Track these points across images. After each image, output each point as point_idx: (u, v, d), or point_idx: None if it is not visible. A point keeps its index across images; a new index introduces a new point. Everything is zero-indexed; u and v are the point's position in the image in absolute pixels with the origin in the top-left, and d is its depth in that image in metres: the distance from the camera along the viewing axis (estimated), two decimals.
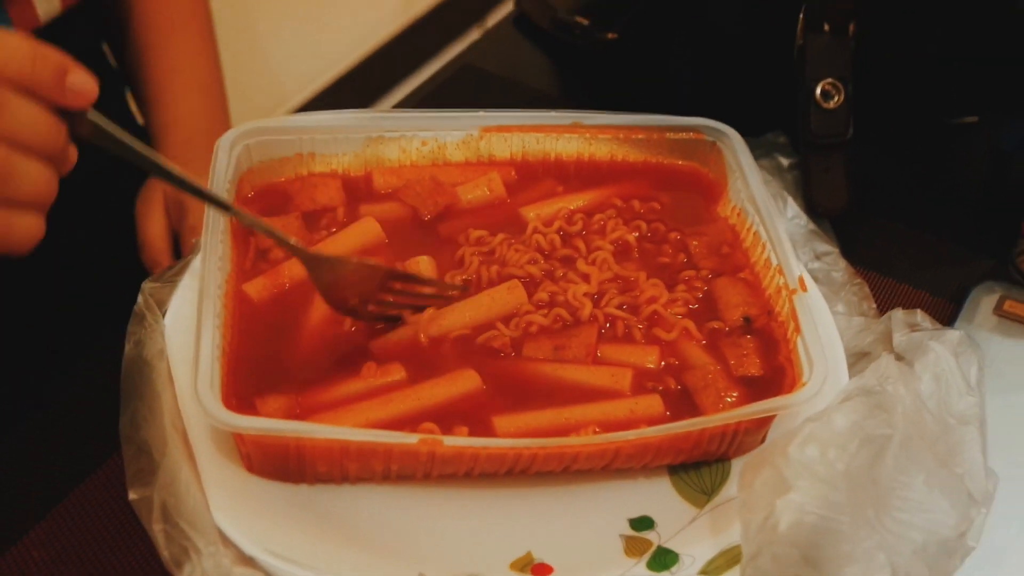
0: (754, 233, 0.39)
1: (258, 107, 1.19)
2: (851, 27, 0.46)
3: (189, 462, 0.33)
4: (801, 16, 0.46)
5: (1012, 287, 0.44)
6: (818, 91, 0.45)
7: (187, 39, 0.62)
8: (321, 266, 0.35)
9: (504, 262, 0.38)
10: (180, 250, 0.50)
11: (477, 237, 0.39)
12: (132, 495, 0.34)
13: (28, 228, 0.34)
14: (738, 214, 0.41)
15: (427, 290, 0.36)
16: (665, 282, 0.38)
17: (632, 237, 0.40)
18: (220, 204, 0.35)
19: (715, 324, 0.37)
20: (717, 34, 0.55)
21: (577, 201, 0.43)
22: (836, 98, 0.46)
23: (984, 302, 0.44)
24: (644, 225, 0.41)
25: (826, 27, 0.46)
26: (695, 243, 0.40)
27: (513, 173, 0.44)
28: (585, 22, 0.59)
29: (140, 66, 0.61)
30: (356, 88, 1.50)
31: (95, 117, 0.33)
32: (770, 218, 0.39)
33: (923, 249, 0.48)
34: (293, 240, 0.35)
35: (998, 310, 0.43)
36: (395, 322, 0.36)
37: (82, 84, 0.33)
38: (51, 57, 0.33)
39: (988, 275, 0.46)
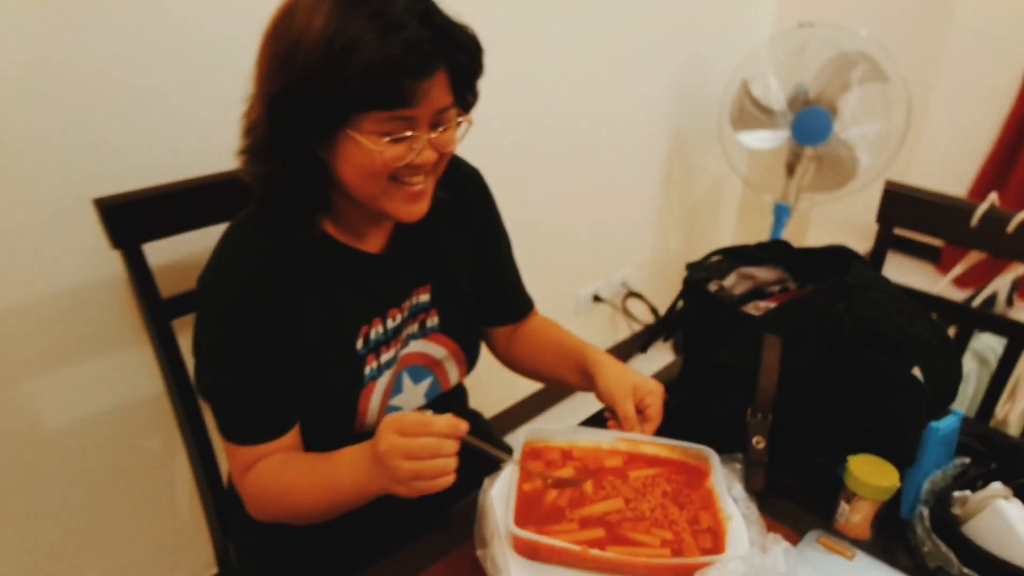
0: (717, 496, 0.84)
1: None
2: (769, 416, 0.97)
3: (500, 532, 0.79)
4: (748, 410, 0.98)
5: (826, 533, 0.87)
6: (754, 440, 0.95)
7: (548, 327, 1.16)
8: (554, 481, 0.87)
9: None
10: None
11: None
12: (478, 552, 0.79)
13: (427, 489, 0.75)
14: (712, 489, 0.85)
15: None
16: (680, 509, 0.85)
17: (669, 489, 0.87)
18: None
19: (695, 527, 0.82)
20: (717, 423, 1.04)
21: (648, 472, 0.89)
22: (761, 445, 0.97)
23: (812, 535, 0.87)
24: (671, 487, 0.87)
25: (759, 415, 0.99)
26: (694, 495, 0.87)
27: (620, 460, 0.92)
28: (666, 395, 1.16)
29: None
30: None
31: (466, 438, 0.78)
32: (721, 491, 0.84)
33: (792, 509, 0.91)
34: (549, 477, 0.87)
35: (818, 540, 0.87)
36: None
37: (446, 426, 0.74)
38: (428, 420, 0.74)
39: (817, 526, 0.88)
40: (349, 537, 1.02)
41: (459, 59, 0.80)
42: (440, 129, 0.82)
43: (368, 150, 0.77)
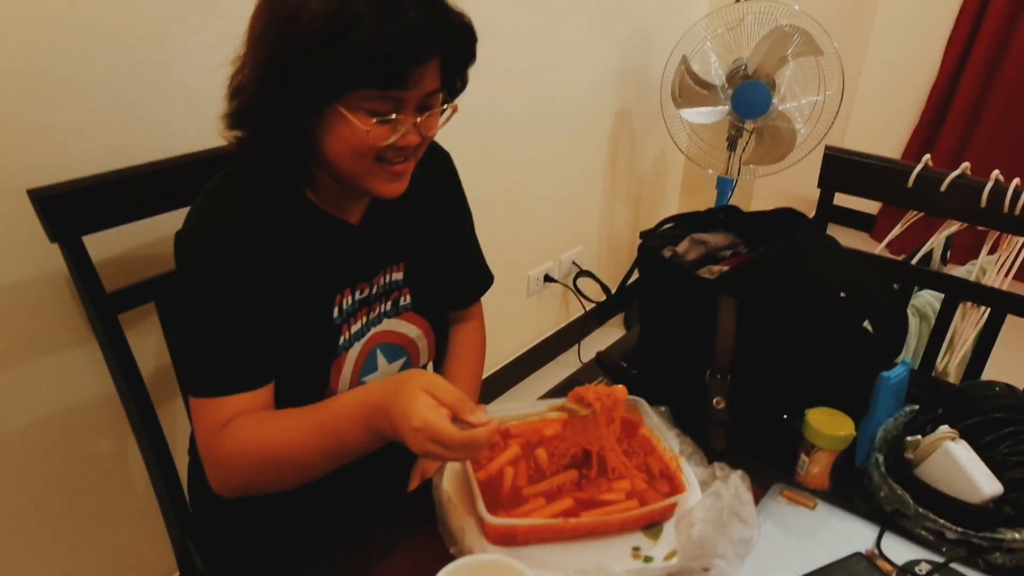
0: (657, 438, 0.89)
1: None
2: (728, 376, 0.99)
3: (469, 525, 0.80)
4: (707, 372, 1.00)
5: (789, 486, 0.90)
6: (714, 401, 0.98)
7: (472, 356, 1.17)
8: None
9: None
10: None
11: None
12: (451, 549, 0.77)
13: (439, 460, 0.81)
14: (650, 433, 0.90)
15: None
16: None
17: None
18: None
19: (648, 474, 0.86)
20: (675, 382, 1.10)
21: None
22: (721, 405, 0.99)
23: (775, 489, 0.90)
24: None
25: (717, 376, 1.01)
26: (634, 443, 0.90)
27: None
28: (624, 364, 1.13)
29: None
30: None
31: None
32: (661, 433, 0.88)
33: (754, 466, 0.88)
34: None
35: (782, 494, 0.91)
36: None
37: (486, 434, 0.71)
38: (464, 399, 0.73)
39: (779, 480, 0.91)
40: (311, 525, 1.01)
41: (454, 46, 0.81)
42: (426, 114, 0.82)
43: (355, 127, 0.77)
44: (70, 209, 1.00)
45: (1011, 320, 1.29)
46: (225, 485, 0.84)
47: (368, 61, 0.73)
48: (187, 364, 0.87)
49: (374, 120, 0.78)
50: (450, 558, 0.71)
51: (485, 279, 1.20)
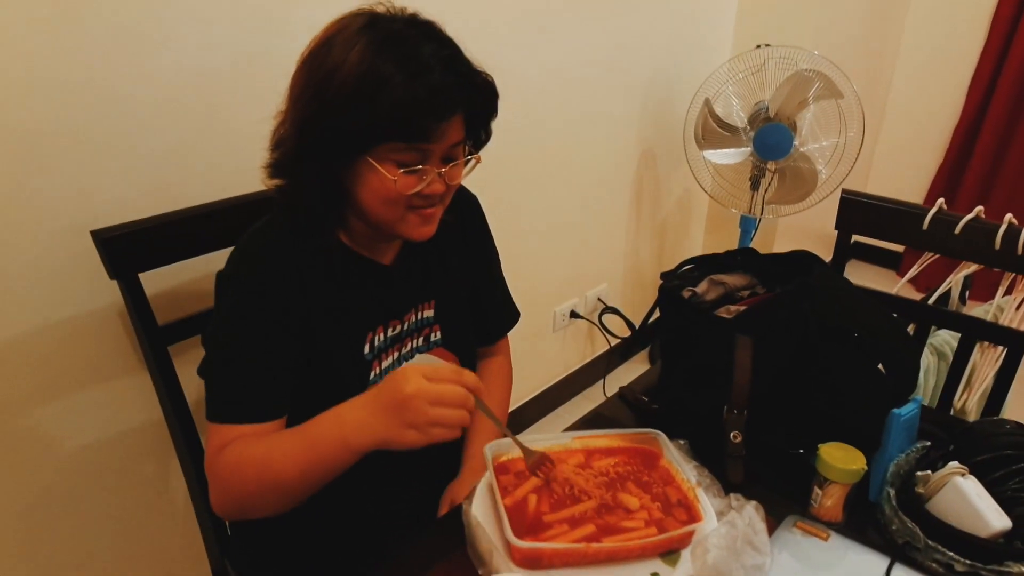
0: (675, 469, 0.92)
1: None
2: (745, 412, 1.04)
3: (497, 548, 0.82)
4: (724, 407, 1.04)
5: (803, 518, 0.93)
6: (731, 435, 1.01)
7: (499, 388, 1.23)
8: (530, 455, 0.91)
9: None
10: None
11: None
12: (480, 571, 0.80)
13: (442, 436, 0.75)
14: (669, 464, 0.93)
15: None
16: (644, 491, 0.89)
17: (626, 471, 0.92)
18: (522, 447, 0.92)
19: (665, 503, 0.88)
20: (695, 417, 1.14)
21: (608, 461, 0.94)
22: (739, 439, 1.02)
23: (789, 520, 0.93)
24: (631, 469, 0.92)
25: (735, 411, 1.06)
26: (654, 475, 0.92)
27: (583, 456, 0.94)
28: (645, 399, 1.18)
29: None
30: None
31: (480, 401, 0.78)
32: (680, 465, 0.91)
33: (769, 497, 0.91)
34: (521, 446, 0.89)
35: (796, 525, 0.94)
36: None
37: (473, 379, 0.77)
38: (460, 369, 0.77)
39: (794, 511, 0.94)
40: (345, 549, 1.06)
41: (476, 103, 0.88)
42: (450, 164, 0.89)
43: (384, 177, 0.84)
44: (129, 248, 1.09)
45: None
46: (220, 500, 0.88)
47: (395, 117, 0.80)
48: (207, 390, 0.93)
49: (401, 171, 0.85)
50: None
51: (512, 315, 1.26)
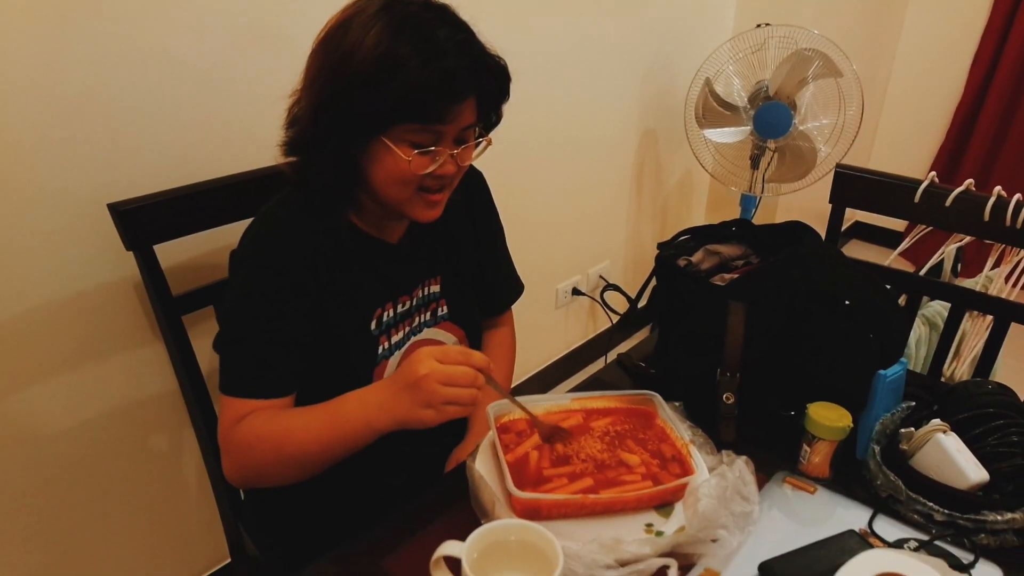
0: (670, 428, 0.97)
1: None
2: (737, 375, 1.08)
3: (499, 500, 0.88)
4: (718, 371, 1.09)
5: (792, 474, 0.97)
6: (724, 397, 1.04)
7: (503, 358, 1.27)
8: (542, 427, 0.95)
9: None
10: None
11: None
12: (473, 504, 0.86)
13: (456, 413, 0.80)
14: (664, 424, 0.98)
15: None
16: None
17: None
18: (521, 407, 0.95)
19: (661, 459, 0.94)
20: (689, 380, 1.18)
21: (605, 420, 0.98)
22: (731, 400, 1.07)
23: (779, 476, 0.97)
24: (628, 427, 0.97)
25: (727, 374, 1.12)
26: (650, 433, 0.97)
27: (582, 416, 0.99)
28: (642, 364, 1.22)
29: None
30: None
31: (490, 378, 0.83)
32: (675, 423, 0.96)
33: (760, 455, 0.94)
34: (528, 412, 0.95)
35: (785, 480, 0.98)
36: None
37: (481, 359, 0.81)
38: (467, 351, 0.81)
39: (783, 469, 0.98)
40: (356, 508, 1.11)
41: (488, 86, 0.90)
42: (462, 146, 0.91)
43: (398, 157, 0.87)
44: (144, 221, 1.13)
45: (1019, 330, 1.35)
46: (234, 471, 0.92)
47: (411, 100, 0.82)
48: (221, 364, 0.95)
49: (415, 151, 0.87)
50: None
51: (516, 288, 1.30)
